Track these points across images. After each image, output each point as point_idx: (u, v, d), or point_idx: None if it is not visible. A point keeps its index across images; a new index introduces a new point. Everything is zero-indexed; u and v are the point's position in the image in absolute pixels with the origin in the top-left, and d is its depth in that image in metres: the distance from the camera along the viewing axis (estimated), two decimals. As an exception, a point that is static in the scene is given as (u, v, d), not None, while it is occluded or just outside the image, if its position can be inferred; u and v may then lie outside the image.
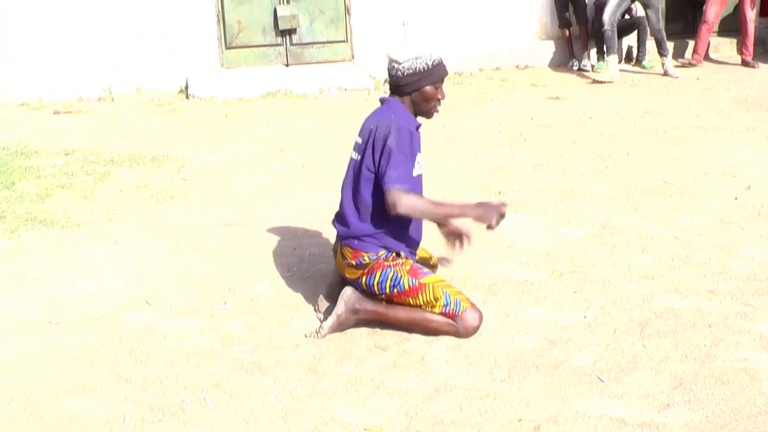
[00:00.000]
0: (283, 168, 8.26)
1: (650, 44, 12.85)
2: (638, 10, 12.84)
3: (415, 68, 4.85)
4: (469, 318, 4.81)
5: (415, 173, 4.88)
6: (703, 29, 12.87)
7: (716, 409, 4.09)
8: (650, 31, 12.48)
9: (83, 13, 11.31)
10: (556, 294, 5.41)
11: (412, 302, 4.87)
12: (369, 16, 12.27)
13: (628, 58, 13.26)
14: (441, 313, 4.82)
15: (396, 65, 4.87)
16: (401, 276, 4.87)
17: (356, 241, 4.96)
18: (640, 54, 13.00)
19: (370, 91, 11.43)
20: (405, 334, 4.91)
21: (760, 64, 12.95)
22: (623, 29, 12.86)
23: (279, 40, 12.15)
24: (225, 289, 5.58)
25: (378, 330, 4.97)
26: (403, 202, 4.70)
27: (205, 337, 4.98)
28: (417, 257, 5.21)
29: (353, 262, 4.97)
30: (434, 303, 4.82)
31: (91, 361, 4.69)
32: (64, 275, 5.86)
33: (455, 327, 4.82)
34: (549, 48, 13.08)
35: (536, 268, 5.81)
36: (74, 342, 4.91)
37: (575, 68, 12.74)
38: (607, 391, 4.28)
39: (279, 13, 11.98)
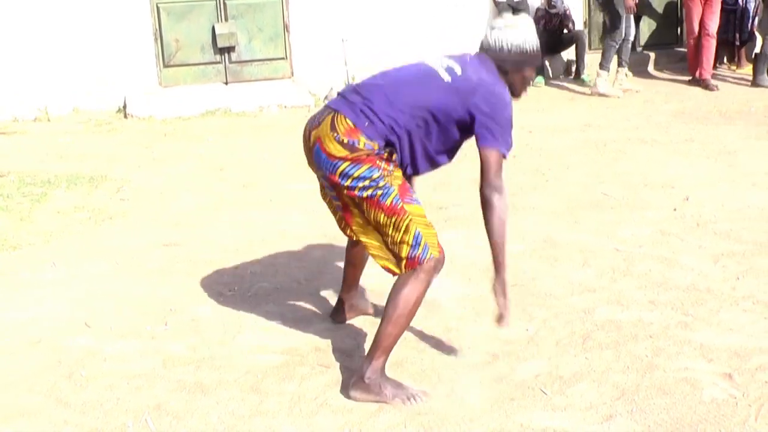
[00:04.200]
0: (223, 187, 8.24)
1: (589, 58, 12.97)
2: (575, 24, 12.95)
3: (525, 50, 4.64)
4: (427, 271, 4.41)
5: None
6: (709, 42, 12.45)
7: (658, 419, 4.14)
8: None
9: (17, 31, 11.23)
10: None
11: (380, 220, 4.40)
12: (308, 33, 12.27)
13: (567, 72, 13.34)
14: (406, 258, 4.37)
15: (505, 36, 4.60)
16: (389, 186, 4.37)
17: (364, 118, 4.39)
18: (579, 68, 13.08)
19: (310, 107, 11.41)
20: (349, 352, 4.92)
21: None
22: (563, 44, 12.96)
23: (218, 57, 12.12)
24: (165, 310, 5.54)
25: (321, 347, 4.98)
26: (504, 192, 4.39)
27: (145, 358, 4.95)
28: None
29: (345, 139, 4.35)
30: (401, 239, 4.38)
31: (29, 386, 4.64)
32: (1, 299, 5.81)
33: (419, 280, 4.41)
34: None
35: (477, 283, 5.81)
36: (11, 367, 4.86)
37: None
38: (551, 404, 4.32)
39: (217, 31, 11.96)
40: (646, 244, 6.44)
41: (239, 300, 5.70)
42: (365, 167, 4.35)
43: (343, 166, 4.36)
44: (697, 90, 12.20)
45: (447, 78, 4.50)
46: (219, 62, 12.13)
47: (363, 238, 4.59)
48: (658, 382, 4.56)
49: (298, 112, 11.27)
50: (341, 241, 6.64)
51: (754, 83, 12.39)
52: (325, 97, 11.84)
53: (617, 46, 12.08)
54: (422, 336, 5.11)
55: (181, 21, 11.89)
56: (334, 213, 4.78)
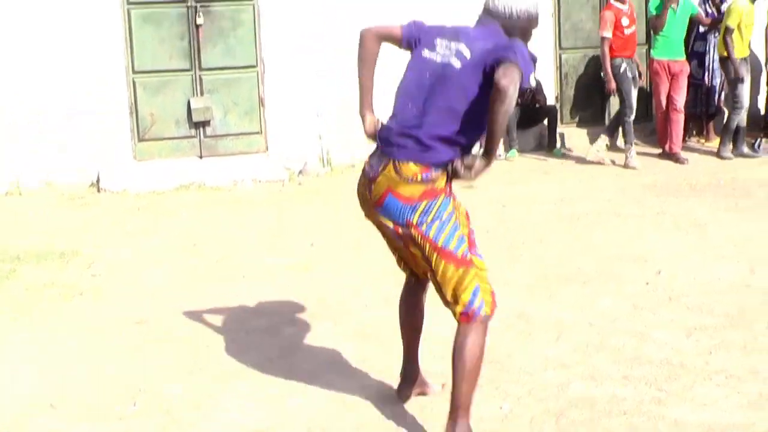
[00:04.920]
0: (196, 262, 8.17)
1: (562, 131, 13.02)
2: (547, 98, 13.01)
3: (530, 13, 4.71)
4: (483, 323, 4.61)
5: None
6: (677, 116, 12.49)
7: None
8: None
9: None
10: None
11: (449, 272, 4.55)
12: (283, 108, 12.27)
13: (540, 146, 13.35)
14: (462, 310, 4.55)
15: (515, 5, 4.67)
16: (461, 228, 4.60)
17: (422, 152, 4.55)
18: (551, 141, 13.10)
19: (285, 182, 11.43)
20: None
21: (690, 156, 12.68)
22: (536, 118, 13.02)
23: (193, 132, 12.10)
24: (135, 389, 5.45)
25: (295, 426, 4.92)
26: (516, 85, 4.30)
27: (113, 440, 4.88)
28: None
29: (419, 176, 4.52)
30: (461, 291, 4.56)
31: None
32: (-34, 378, 5.71)
33: (478, 334, 4.59)
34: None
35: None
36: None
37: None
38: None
39: (193, 105, 11.95)
40: (620, 318, 6.44)
41: (210, 378, 5.62)
42: (440, 200, 4.55)
43: (423, 205, 4.54)
44: (667, 163, 12.25)
45: (458, 64, 4.59)
46: (194, 136, 12.11)
47: (416, 267, 4.93)
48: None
49: (273, 186, 11.29)
50: (314, 317, 6.63)
51: (719, 155, 12.45)
52: (300, 172, 11.84)
53: (631, 120, 12.23)
54: (395, 415, 5.04)
55: (156, 95, 11.88)
56: (398, 261, 5.16)
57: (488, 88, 4.40)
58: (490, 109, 4.36)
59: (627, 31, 12.18)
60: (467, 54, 4.59)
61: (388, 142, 4.73)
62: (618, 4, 12.24)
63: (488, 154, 4.49)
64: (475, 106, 4.52)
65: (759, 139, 12.74)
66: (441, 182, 4.55)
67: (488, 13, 4.74)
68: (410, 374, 5.31)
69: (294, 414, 5.13)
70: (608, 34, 12.15)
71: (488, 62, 4.46)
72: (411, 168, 4.53)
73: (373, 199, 4.74)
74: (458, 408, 4.58)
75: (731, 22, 12.36)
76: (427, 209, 4.53)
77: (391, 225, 4.67)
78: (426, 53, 4.82)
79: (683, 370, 5.60)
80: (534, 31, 4.84)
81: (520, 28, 4.70)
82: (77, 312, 6.91)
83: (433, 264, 4.59)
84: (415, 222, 4.54)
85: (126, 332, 6.44)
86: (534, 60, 4.74)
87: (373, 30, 5.21)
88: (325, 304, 6.95)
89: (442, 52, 4.70)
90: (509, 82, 4.30)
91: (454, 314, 4.63)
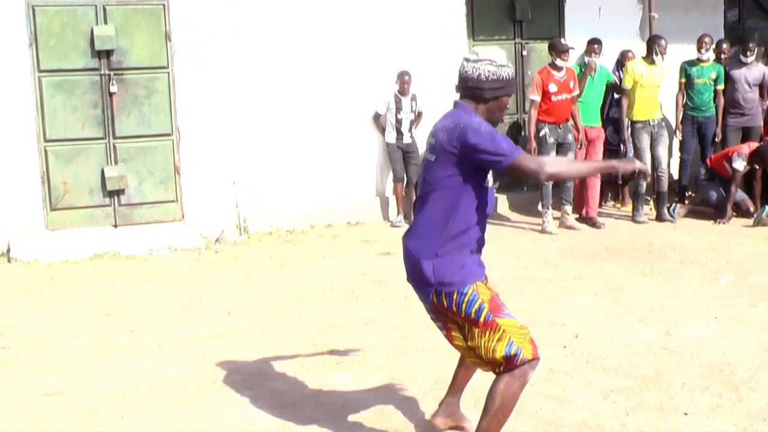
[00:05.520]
0: (110, 332, 8.06)
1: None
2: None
3: (499, 76, 4.83)
4: (523, 370, 4.80)
5: (489, 184, 4.91)
6: (593, 181, 12.61)
7: None
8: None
9: None
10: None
11: (475, 333, 4.83)
12: (199, 176, 12.26)
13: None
14: (503, 359, 4.77)
15: (481, 67, 4.83)
16: (479, 301, 4.82)
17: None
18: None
19: (201, 251, 11.38)
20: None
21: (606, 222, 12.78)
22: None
23: (107, 200, 12.03)
24: (45, 463, 5.38)
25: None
26: (547, 161, 4.69)
27: None
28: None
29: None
30: (495, 345, 4.78)
31: None
32: None
33: (515, 378, 4.79)
34: (378, 204, 13.23)
35: (371, 427, 5.81)
36: None
37: (396, 224, 12.82)
38: None
39: (106, 174, 11.88)
40: (537, 383, 6.40)
41: (123, 450, 5.55)
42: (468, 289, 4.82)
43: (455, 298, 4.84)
44: (584, 227, 12.36)
45: (431, 157, 4.87)
46: (108, 205, 12.04)
47: (464, 352, 5.09)
48: None
49: (189, 254, 11.24)
50: (233, 385, 6.59)
51: (633, 220, 12.63)
52: (217, 240, 11.80)
53: (549, 185, 12.19)
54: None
55: (69, 164, 11.81)
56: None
57: (468, 167, 4.75)
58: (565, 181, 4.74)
59: (555, 98, 12.16)
60: (433, 142, 4.89)
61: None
62: (552, 70, 12.30)
63: (606, 167, 5.03)
64: (462, 182, 4.81)
65: (674, 204, 12.91)
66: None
67: (461, 79, 4.92)
68: (450, 407, 5.65)
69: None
70: (535, 97, 12.24)
71: (452, 146, 4.74)
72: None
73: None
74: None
75: (626, 83, 12.67)
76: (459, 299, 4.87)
77: (423, 299, 5.11)
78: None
79: (601, 433, 5.63)
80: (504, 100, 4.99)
81: (491, 90, 4.85)
82: (-13, 385, 6.79)
83: (463, 330, 4.93)
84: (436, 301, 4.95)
85: (37, 405, 6.33)
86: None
87: None
88: (243, 372, 6.91)
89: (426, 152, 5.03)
90: (543, 175, 4.70)
91: (499, 371, 4.83)
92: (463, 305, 4.81)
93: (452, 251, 4.84)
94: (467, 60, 4.90)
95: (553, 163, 4.76)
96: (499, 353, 4.77)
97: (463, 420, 5.64)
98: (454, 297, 4.82)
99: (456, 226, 4.82)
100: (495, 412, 4.76)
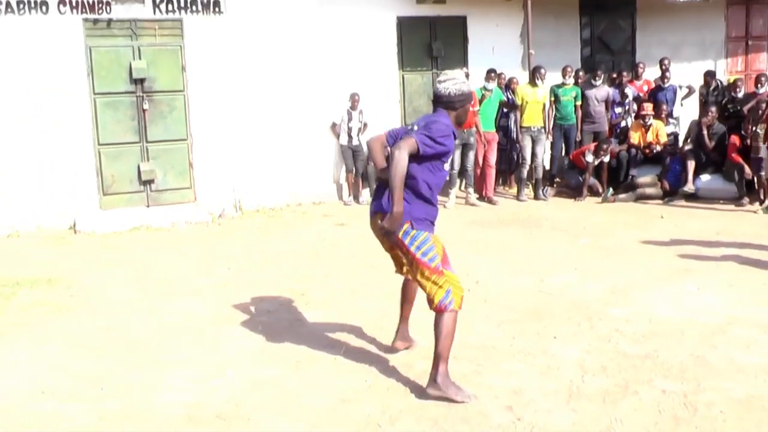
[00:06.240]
0: (146, 284, 8.04)
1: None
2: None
3: (463, 91, 4.89)
4: (452, 312, 4.87)
5: (445, 168, 4.96)
6: (491, 171, 12.72)
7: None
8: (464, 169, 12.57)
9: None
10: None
11: (425, 273, 4.84)
12: (206, 170, 12.23)
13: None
14: (437, 303, 4.82)
15: (449, 86, 4.88)
16: (436, 248, 4.89)
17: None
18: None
19: (208, 224, 11.35)
20: None
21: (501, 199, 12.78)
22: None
23: (142, 188, 11.96)
24: (103, 378, 5.41)
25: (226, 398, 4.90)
26: (403, 155, 4.62)
27: (86, 416, 4.81)
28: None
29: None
30: (437, 290, 4.83)
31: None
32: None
33: (449, 317, 4.86)
34: (335, 189, 13.24)
35: (332, 347, 5.84)
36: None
37: (347, 203, 12.92)
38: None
39: (141, 168, 11.84)
40: (450, 316, 6.50)
41: (160, 366, 5.59)
42: (424, 234, 4.86)
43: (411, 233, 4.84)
44: (483, 204, 12.41)
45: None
46: (142, 191, 11.98)
47: (412, 276, 5.05)
48: (461, 414, 4.63)
49: (200, 226, 11.21)
50: (230, 320, 6.61)
51: (518, 199, 12.65)
52: (220, 216, 11.79)
53: (454, 173, 12.26)
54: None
55: (115, 161, 11.73)
56: (394, 259, 5.35)
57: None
58: (388, 167, 4.71)
59: None
60: (416, 129, 4.87)
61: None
62: None
63: (393, 202, 4.71)
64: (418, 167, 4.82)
65: (546, 187, 12.99)
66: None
67: (436, 96, 4.96)
68: (403, 333, 5.63)
69: (218, 391, 5.14)
70: None
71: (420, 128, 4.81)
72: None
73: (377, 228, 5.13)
74: (439, 360, 4.85)
75: (517, 101, 12.79)
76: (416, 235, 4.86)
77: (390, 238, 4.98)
78: None
79: (495, 351, 5.70)
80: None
81: (459, 101, 4.92)
82: (61, 323, 6.78)
83: (414, 268, 4.91)
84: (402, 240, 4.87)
85: (97, 337, 6.36)
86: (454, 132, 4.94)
87: (378, 139, 5.29)
88: (239, 311, 6.92)
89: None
90: (395, 149, 4.63)
91: (433, 307, 4.88)
92: (421, 247, 4.83)
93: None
94: (440, 82, 4.93)
95: (399, 157, 4.60)
96: (438, 298, 4.83)
97: (412, 341, 5.67)
98: (415, 235, 4.83)
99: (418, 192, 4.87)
100: (444, 337, 4.83)
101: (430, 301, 4.88)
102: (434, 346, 4.89)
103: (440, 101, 4.93)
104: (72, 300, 7.51)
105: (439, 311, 4.85)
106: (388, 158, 4.91)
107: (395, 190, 4.65)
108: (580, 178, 12.76)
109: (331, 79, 12.89)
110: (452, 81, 4.91)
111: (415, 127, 4.87)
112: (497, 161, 12.99)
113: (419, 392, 4.95)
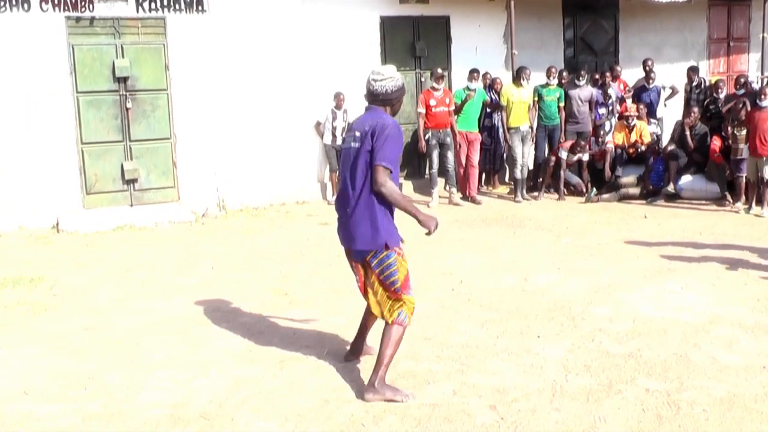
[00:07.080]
0: (129, 283, 8.01)
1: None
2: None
3: (399, 86, 4.96)
4: (404, 327, 5.00)
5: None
6: (474, 171, 12.75)
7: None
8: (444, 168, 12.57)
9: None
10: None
11: (387, 296, 4.98)
12: (190, 169, 12.17)
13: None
14: (393, 320, 4.95)
15: (387, 83, 4.93)
16: (399, 273, 4.95)
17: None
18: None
19: (192, 223, 11.30)
20: None
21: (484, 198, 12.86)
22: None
23: (125, 187, 11.88)
24: (85, 378, 5.37)
25: (208, 406, 4.87)
26: (388, 184, 4.74)
27: (69, 417, 4.78)
28: None
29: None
30: (395, 311, 4.96)
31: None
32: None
33: (399, 329, 4.98)
34: (319, 188, 13.23)
35: (314, 347, 5.83)
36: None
37: (331, 203, 12.82)
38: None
39: (125, 167, 11.76)
40: (432, 316, 6.51)
41: (141, 368, 5.56)
42: (392, 258, 4.93)
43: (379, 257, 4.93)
44: (467, 204, 12.43)
45: (356, 144, 4.88)
46: (126, 190, 11.90)
47: (370, 298, 5.11)
48: (444, 413, 4.64)
49: (183, 225, 11.16)
50: (213, 320, 6.58)
51: (515, 200, 12.64)
52: (203, 215, 11.75)
53: (433, 172, 12.43)
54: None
55: (98, 160, 11.65)
56: (359, 283, 5.23)
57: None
58: (387, 203, 4.84)
59: (435, 110, 12.25)
60: (359, 134, 4.89)
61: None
62: (433, 90, 12.38)
63: (414, 216, 4.91)
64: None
65: (541, 190, 12.92)
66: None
67: (372, 94, 5.00)
68: (359, 347, 5.61)
69: (201, 391, 5.11)
70: (420, 110, 12.37)
71: (375, 140, 4.78)
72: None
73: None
74: (380, 365, 4.91)
75: (502, 100, 12.79)
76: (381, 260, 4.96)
77: (357, 261, 5.11)
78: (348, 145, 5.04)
79: (478, 350, 5.71)
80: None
81: (396, 97, 5.00)
82: (42, 323, 6.73)
83: (376, 293, 5.05)
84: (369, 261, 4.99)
85: (78, 337, 6.32)
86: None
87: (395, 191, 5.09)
88: (222, 310, 6.91)
89: (351, 141, 4.97)
90: (378, 188, 4.74)
91: (389, 323, 4.99)
92: (384, 271, 4.94)
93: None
94: (374, 80, 4.97)
95: (389, 187, 4.74)
96: (393, 317, 4.96)
97: (369, 349, 5.62)
98: (382, 258, 4.92)
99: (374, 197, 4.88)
100: (390, 345, 4.93)
101: (386, 318, 5.02)
102: (378, 352, 4.99)
103: (377, 99, 4.99)
104: (55, 300, 7.45)
105: (391, 324, 4.98)
106: (341, 183, 5.04)
107: (408, 209, 4.84)
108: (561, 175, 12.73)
109: (314, 78, 12.88)
110: (390, 79, 4.98)
111: (357, 134, 4.90)
112: (480, 161, 13.01)
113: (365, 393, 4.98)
